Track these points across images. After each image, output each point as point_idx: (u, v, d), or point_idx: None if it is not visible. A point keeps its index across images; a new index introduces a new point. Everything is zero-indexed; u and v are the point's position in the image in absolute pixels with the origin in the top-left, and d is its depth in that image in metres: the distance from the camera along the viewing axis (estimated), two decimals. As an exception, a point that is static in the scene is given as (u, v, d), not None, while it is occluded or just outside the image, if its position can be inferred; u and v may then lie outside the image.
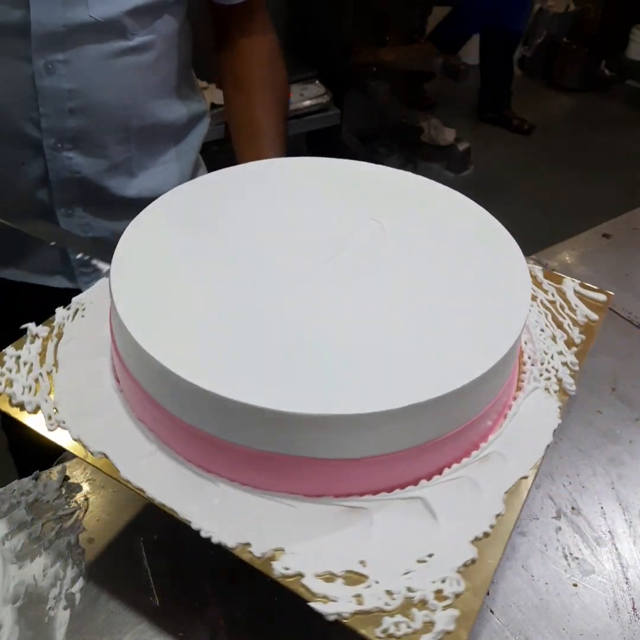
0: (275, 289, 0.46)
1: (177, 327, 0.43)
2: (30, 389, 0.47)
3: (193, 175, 0.82)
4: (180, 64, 0.75)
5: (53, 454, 0.60)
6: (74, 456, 0.58)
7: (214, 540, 0.38)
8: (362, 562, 0.38)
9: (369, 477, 0.40)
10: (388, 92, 2.48)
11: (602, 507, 0.59)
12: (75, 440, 0.44)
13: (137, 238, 0.49)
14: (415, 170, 0.57)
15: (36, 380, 0.48)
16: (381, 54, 2.33)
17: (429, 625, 0.35)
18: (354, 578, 0.37)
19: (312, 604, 0.36)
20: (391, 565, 0.37)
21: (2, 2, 0.59)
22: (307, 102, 2.12)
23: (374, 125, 2.56)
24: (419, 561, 0.38)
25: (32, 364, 0.49)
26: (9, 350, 0.50)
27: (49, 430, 0.45)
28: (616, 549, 0.56)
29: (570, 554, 0.55)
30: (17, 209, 0.70)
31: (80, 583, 0.50)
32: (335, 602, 0.36)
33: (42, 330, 0.51)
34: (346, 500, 0.40)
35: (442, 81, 2.59)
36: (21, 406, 0.46)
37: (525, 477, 0.43)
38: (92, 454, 0.43)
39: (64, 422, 0.45)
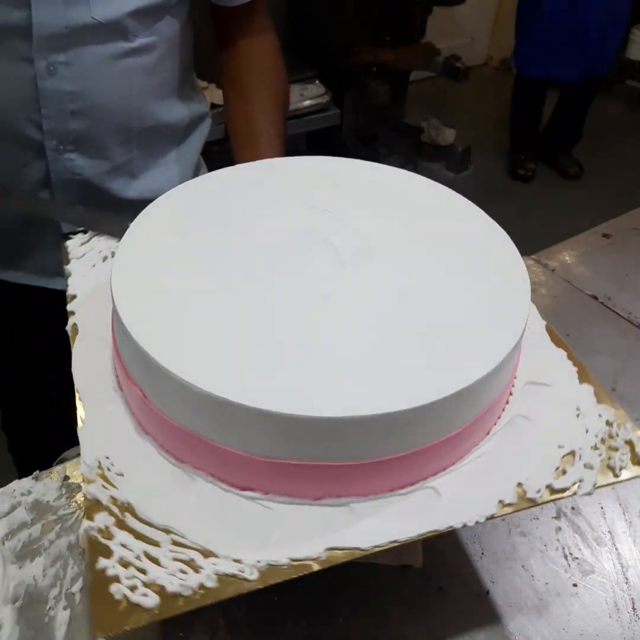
0: (275, 289, 0.46)
1: (179, 328, 0.42)
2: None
3: (194, 176, 0.82)
4: (182, 66, 0.75)
5: (53, 454, 0.60)
6: (74, 456, 0.59)
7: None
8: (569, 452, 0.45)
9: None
10: (388, 92, 2.48)
11: (602, 507, 0.59)
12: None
13: (137, 238, 0.49)
14: (415, 170, 0.57)
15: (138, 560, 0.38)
16: (381, 54, 2.32)
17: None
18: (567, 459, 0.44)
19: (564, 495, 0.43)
20: (583, 437, 0.45)
21: (3, 3, 0.59)
22: (307, 102, 2.11)
23: (374, 125, 2.55)
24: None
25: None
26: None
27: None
28: (616, 549, 0.56)
29: (570, 554, 0.55)
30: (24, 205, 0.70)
31: (80, 583, 0.50)
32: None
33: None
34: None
35: (442, 81, 2.59)
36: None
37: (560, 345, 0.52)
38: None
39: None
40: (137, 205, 0.53)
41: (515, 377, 0.48)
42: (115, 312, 0.44)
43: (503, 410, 0.47)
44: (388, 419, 0.38)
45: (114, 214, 0.65)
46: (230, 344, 0.41)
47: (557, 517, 0.58)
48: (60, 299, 0.54)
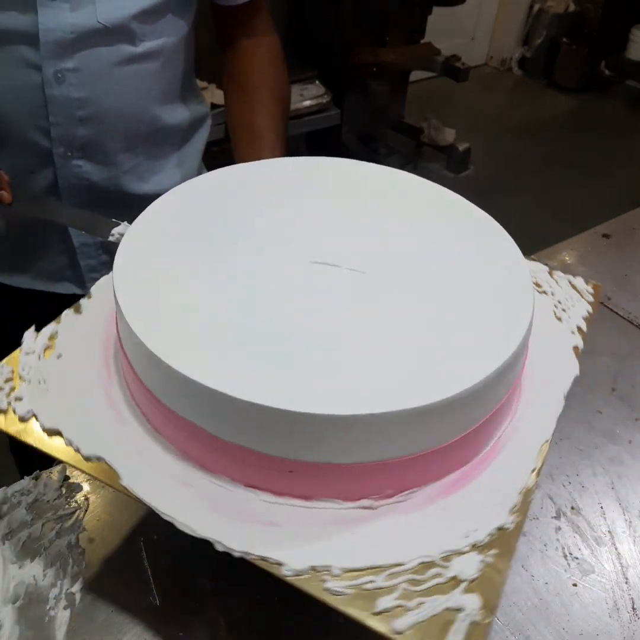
0: (276, 289, 0.46)
1: (182, 326, 0.42)
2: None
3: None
4: (185, 69, 0.75)
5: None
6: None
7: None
8: None
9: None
10: (388, 92, 2.48)
11: (601, 507, 0.59)
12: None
13: (138, 238, 0.49)
14: (415, 170, 0.57)
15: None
16: (381, 54, 2.32)
17: None
18: None
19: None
20: None
21: (11, 8, 0.59)
22: (307, 102, 2.12)
23: (374, 125, 2.55)
24: None
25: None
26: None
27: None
28: (616, 548, 0.56)
29: (570, 553, 0.55)
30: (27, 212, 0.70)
31: (80, 583, 0.50)
32: None
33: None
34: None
35: (442, 81, 2.59)
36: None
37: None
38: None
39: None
40: (143, 208, 0.53)
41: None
42: (118, 310, 0.44)
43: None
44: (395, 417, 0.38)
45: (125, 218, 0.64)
46: (233, 341, 0.41)
47: (557, 517, 0.58)
48: (65, 303, 0.54)
